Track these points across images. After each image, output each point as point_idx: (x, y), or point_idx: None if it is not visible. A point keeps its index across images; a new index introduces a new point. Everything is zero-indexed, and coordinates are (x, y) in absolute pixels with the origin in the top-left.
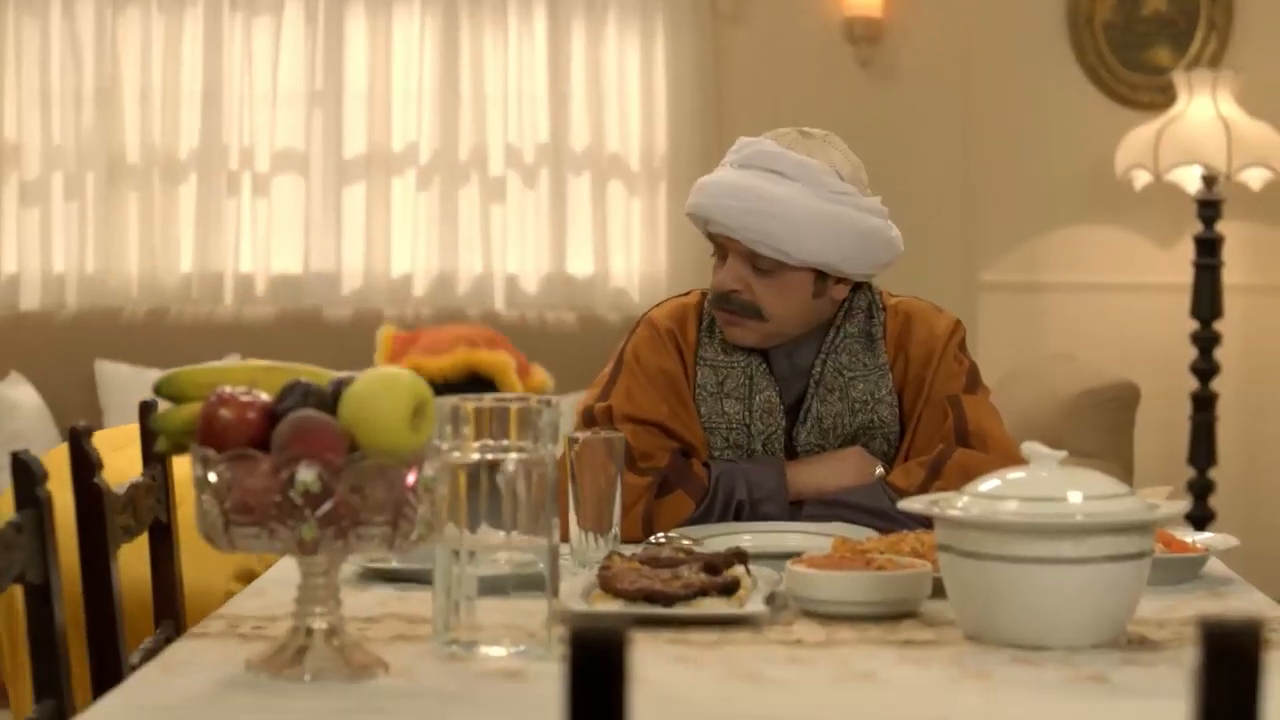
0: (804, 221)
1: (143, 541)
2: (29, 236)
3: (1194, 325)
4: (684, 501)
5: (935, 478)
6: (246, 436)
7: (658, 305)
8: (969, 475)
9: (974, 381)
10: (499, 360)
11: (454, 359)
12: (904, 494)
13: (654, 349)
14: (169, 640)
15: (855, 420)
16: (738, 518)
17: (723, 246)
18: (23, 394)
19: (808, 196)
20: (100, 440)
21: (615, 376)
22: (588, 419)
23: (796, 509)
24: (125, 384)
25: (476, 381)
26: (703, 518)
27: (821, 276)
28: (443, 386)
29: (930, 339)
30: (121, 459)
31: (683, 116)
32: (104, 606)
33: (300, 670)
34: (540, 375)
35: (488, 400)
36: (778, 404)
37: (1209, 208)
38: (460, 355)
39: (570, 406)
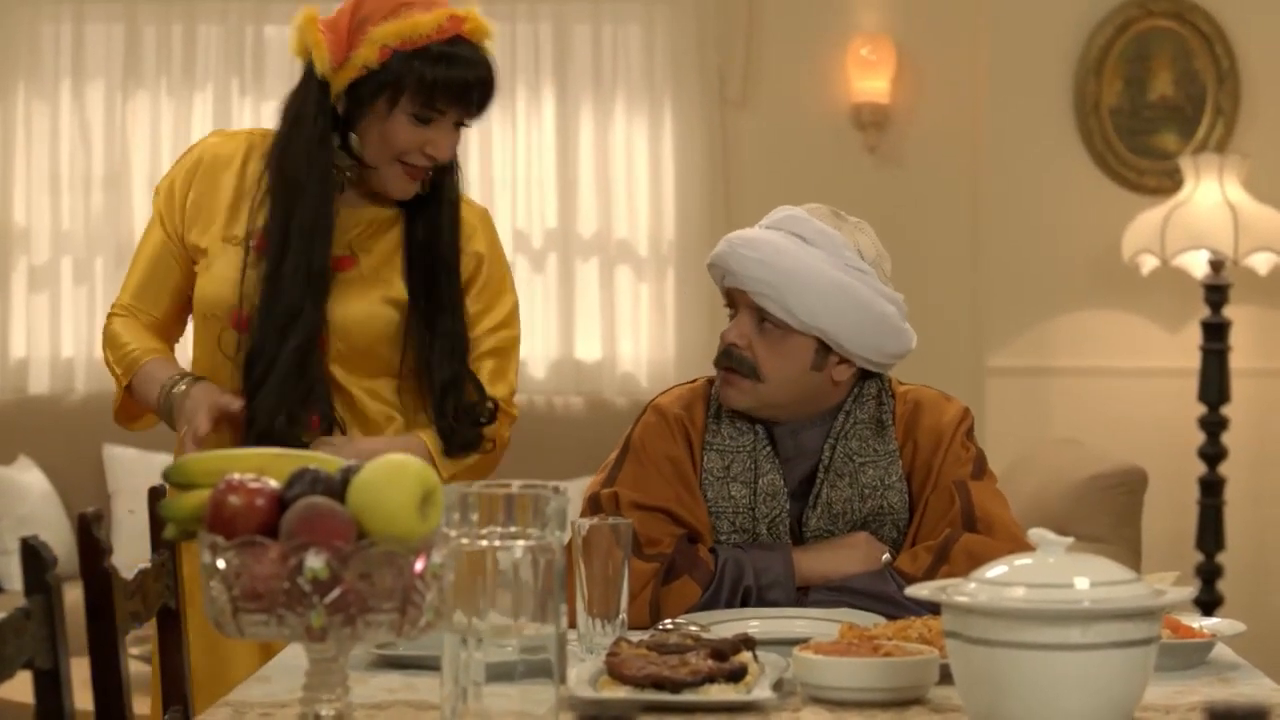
0: (813, 284)
1: None
2: (38, 321)
3: (1201, 409)
4: (690, 587)
5: (942, 562)
6: (255, 523)
7: (665, 392)
8: (975, 560)
9: (980, 468)
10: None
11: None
12: (910, 579)
13: (661, 435)
14: None
15: (865, 506)
16: (744, 604)
17: (735, 304)
18: (31, 478)
19: (823, 263)
20: None
21: (621, 462)
22: (594, 505)
23: (803, 595)
24: (133, 468)
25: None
26: (709, 604)
27: (824, 350)
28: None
29: (939, 426)
30: None
31: (691, 202)
32: (113, 692)
33: None
34: (419, 19)
35: (496, 488)
36: (781, 487)
37: (1216, 292)
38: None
39: (578, 491)
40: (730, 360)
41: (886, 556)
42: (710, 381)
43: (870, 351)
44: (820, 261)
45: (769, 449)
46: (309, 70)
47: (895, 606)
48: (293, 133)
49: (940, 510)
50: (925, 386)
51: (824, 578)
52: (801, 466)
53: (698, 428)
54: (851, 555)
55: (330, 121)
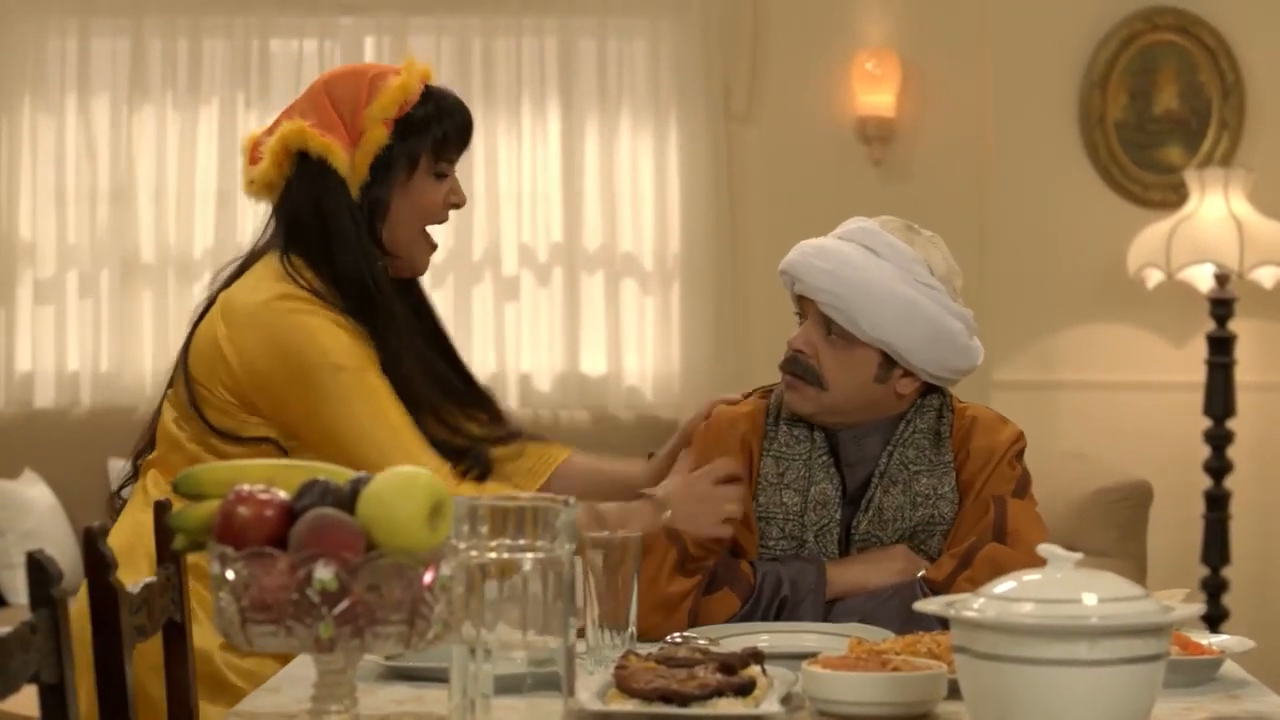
0: (881, 298)
1: None
2: (43, 335)
3: (1207, 423)
4: (730, 599)
5: (964, 568)
6: (264, 534)
7: (734, 402)
8: (998, 569)
9: (1023, 488)
10: (291, 131)
11: (269, 156)
12: (935, 585)
13: (718, 448)
14: None
15: (916, 514)
16: (779, 616)
17: (804, 311)
18: (37, 492)
19: (892, 277)
20: None
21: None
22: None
23: (831, 606)
24: None
25: (304, 156)
26: (747, 616)
27: (888, 363)
28: (289, 182)
29: (991, 445)
30: None
31: (696, 215)
32: (117, 706)
33: None
34: (392, 85)
35: (505, 500)
36: (834, 497)
37: (1221, 306)
38: (271, 148)
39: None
40: (795, 367)
41: (923, 572)
42: (767, 394)
43: (935, 366)
44: (889, 275)
45: (825, 457)
46: (324, 181)
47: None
48: (341, 257)
49: (973, 519)
50: (985, 407)
51: (858, 587)
52: (861, 472)
53: (758, 435)
54: (888, 569)
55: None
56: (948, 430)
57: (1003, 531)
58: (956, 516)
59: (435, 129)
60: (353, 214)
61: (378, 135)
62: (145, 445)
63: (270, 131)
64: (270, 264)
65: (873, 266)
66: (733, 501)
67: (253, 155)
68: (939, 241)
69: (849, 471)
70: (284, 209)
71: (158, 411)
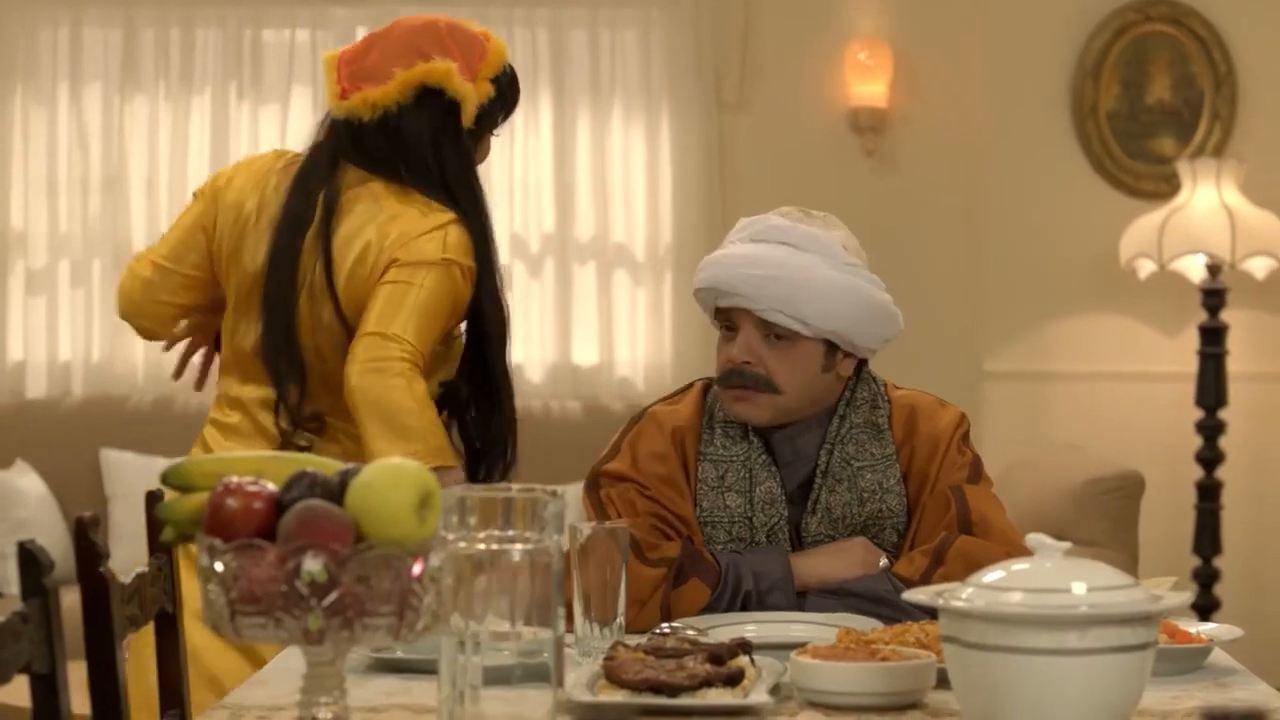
0: (822, 289)
1: None
2: (35, 324)
3: (1199, 414)
4: (700, 589)
5: (938, 565)
6: (253, 526)
7: (662, 400)
8: (971, 562)
9: (977, 472)
10: (440, 70)
11: (398, 83)
12: (907, 582)
13: (654, 443)
14: None
15: (865, 510)
16: (745, 608)
17: (733, 322)
18: (28, 482)
19: (823, 266)
20: None
21: (612, 457)
22: (593, 484)
23: (801, 598)
24: (131, 472)
25: (430, 92)
26: (713, 606)
27: (830, 350)
28: (399, 111)
29: (935, 431)
30: None
31: (688, 206)
32: (109, 697)
33: None
34: (494, 50)
35: (494, 491)
36: (779, 494)
37: (1213, 296)
38: (402, 78)
39: (575, 495)
40: (743, 379)
41: (884, 562)
42: (706, 387)
43: (874, 341)
44: (819, 265)
45: (764, 456)
46: (449, 121)
47: (892, 609)
48: (462, 198)
49: (937, 515)
50: (921, 392)
51: (822, 580)
52: (799, 471)
53: (693, 436)
54: (849, 559)
55: None
56: (885, 422)
57: (967, 522)
58: (909, 508)
59: (512, 95)
60: (467, 158)
61: (486, 90)
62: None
63: (358, 56)
64: (431, 210)
65: (803, 262)
66: None
67: (350, 75)
68: (834, 219)
69: (786, 471)
70: (390, 131)
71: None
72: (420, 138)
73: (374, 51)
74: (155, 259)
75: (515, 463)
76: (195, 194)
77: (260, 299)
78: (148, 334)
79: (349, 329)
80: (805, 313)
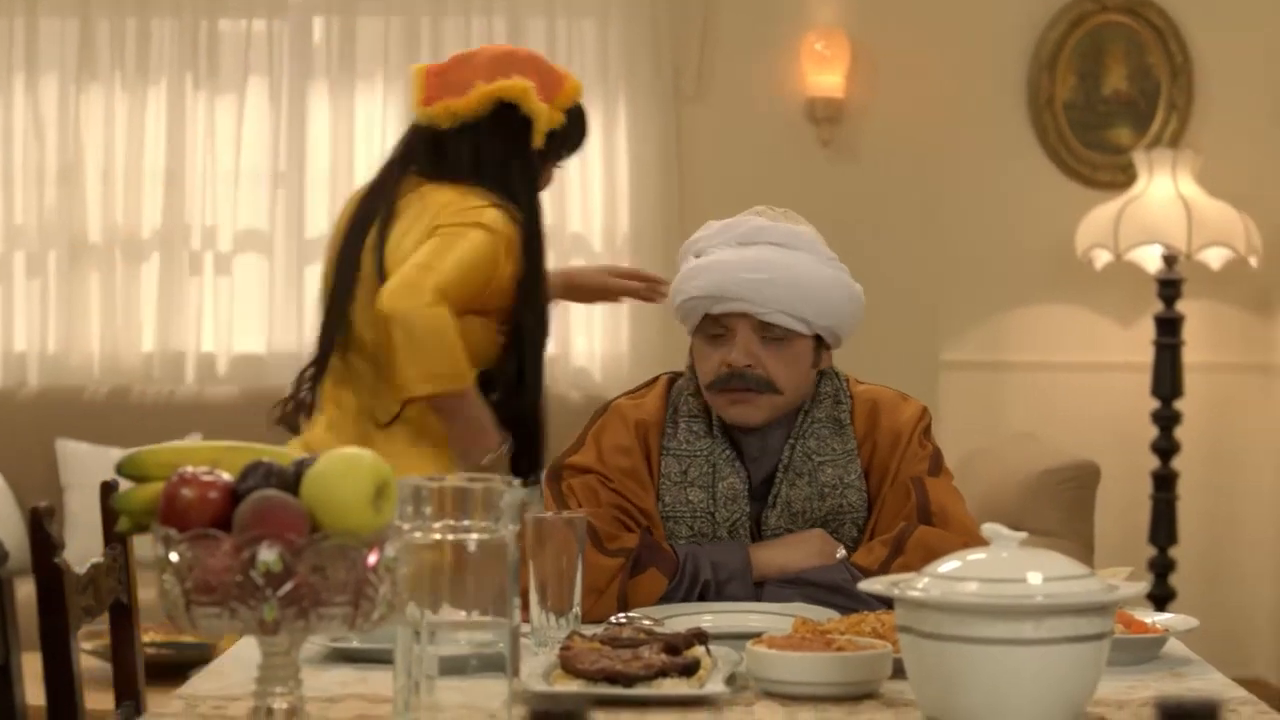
0: (818, 286)
1: None
2: None
3: (1154, 404)
4: (657, 579)
5: (898, 554)
6: (208, 516)
7: (626, 394)
8: (931, 552)
9: (937, 465)
10: (518, 87)
11: (478, 94)
12: (867, 571)
13: (617, 435)
14: None
15: (825, 505)
16: (703, 598)
17: (724, 328)
18: None
19: (813, 263)
20: None
21: (577, 450)
22: (555, 475)
23: (759, 588)
24: (86, 463)
25: (506, 107)
26: (670, 596)
27: (818, 345)
28: (474, 124)
29: (896, 425)
30: None
31: (645, 196)
32: (64, 687)
33: None
34: (570, 84)
35: (450, 481)
36: (742, 490)
37: (1169, 287)
38: (482, 90)
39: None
40: (744, 381)
41: (842, 553)
42: (670, 381)
43: (851, 331)
44: (810, 262)
45: (728, 452)
46: (522, 138)
47: (850, 598)
48: (524, 204)
49: (896, 505)
50: (883, 386)
51: (780, 571)
52: (765, 466)
53: (657, 431)
54: (807, 550)
55: None
56: (847, 416)
57: (927, 512)
58: (870, 502)
59: (578, 132)
60: (532, 174)
61: (557, 117)
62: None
63: (444, 70)
64: (473, 194)
65: (794, 260)
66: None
67: (434, 85)
68: (795, 214)
69: (754, 466)
70: (465, 140)
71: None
72: (493, 149)
73: (459, 68)
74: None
75: (540, 465)
76: None
77: (325, 302)
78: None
79: None
80: (806, 311)
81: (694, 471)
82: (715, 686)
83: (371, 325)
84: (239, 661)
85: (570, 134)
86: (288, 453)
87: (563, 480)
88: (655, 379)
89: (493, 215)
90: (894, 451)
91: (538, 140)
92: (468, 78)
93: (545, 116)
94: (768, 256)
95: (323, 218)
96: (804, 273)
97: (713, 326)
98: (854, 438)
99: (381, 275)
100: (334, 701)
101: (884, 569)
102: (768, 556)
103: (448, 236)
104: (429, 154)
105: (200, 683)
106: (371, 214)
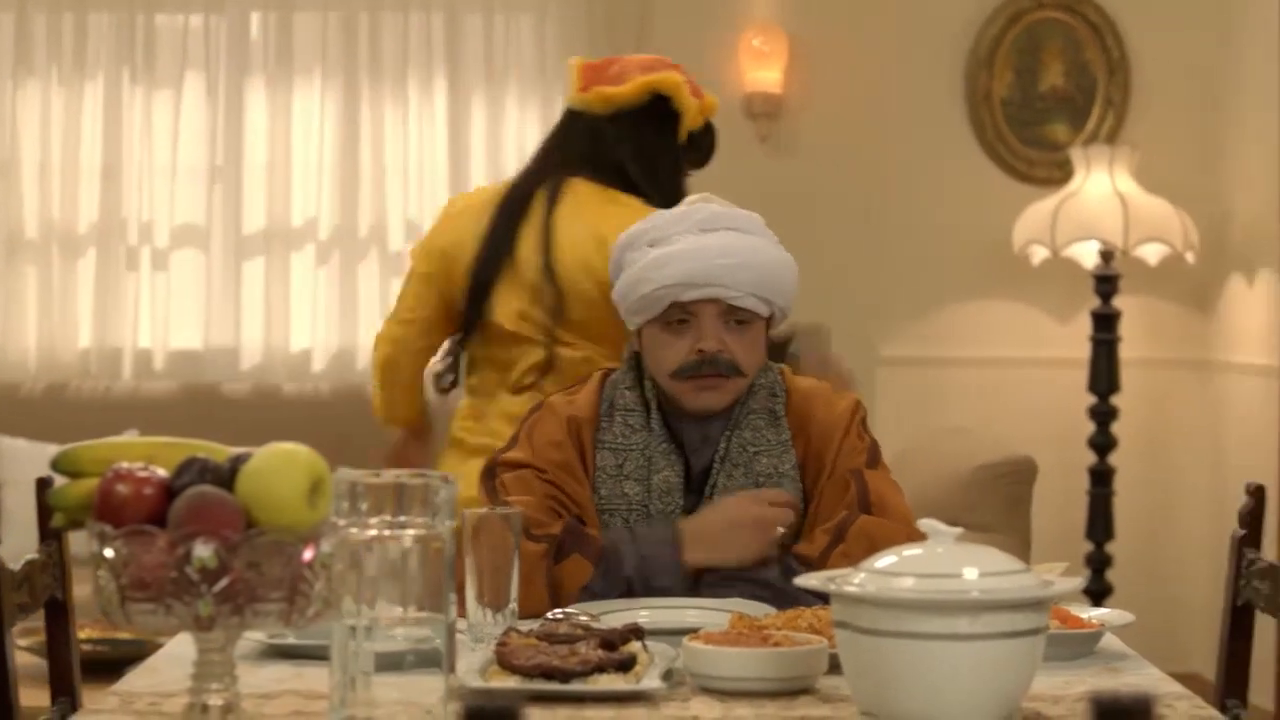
0: (777, 268)
1: None
2: None
3: (1091, 400)
4: (582, 564)
5: (838, 543)
6: (143, 512)
7: (560, 391)
8: (872, 540)
9: (875, 458)
10: (673, 79)
11: (635, 84)
12: (807, 560)
13: (550, 429)
14: (64, 718)
15: None
16: (630, 588)
17: (689, 314)
18: None
19: (769, 246)
20: None
21: (510, 448)
22: (489, 473)
23: (696, 581)
24: (23, 459)
25: (659, 99)
26: (602, 590)
27: (767, 325)
28: (629, 113)
29: (831, 418)
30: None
31: None
32: None
33: None
34: (711, 98)
35: (386, 477)
36: (677, 484)
37: (1106, 283)
38: (639, 80)
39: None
40: (716, 367)
41: (781, 529)
42: (605, 378)
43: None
44: (767, 246)
45: (664, 445)
46: (671, 129)
47: (786, 597)
48: (667, 197)
49: (835, 497)
50: (817, 380)
51: (714, 564)
52: (705, 457)
53: (590, 426)
54: (740, 545)
55: None
56: (782, 409)
57: (867, 503)
58: (805, 495)
59: (708, 144)
60: (680, 167)
61: (699, 121)
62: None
63: (602, 65)
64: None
65: (756, 245)
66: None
67: (592, 76)
68: (728, 202)
69: (694, 457)
70: (619, 127)
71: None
72: (647, 139)
73: (614, 63)
74: None
75: None
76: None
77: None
78: None
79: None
80: (770, 293)
81: (629, 465)
82: (652, 682)
83: (584, 304)
84: (174, 658)
85: (702, 143)
86: (223, 449)
87: (496, 476)
88: (588, 376)
89: None
90: (829, 443)
91: (683, 134)
92: (625, 72)
93: (693, 113)
94: (733, 241)
95: (259, 212)
96: (766, 256)
97: (677, 314)
98: (788, 429)
99: (548, 267)
100: (269, 698)
101: (824, 557)
102: (700, 550)
103: None
104: (584, 141)
105: (135, 679)
106: (527, 200)
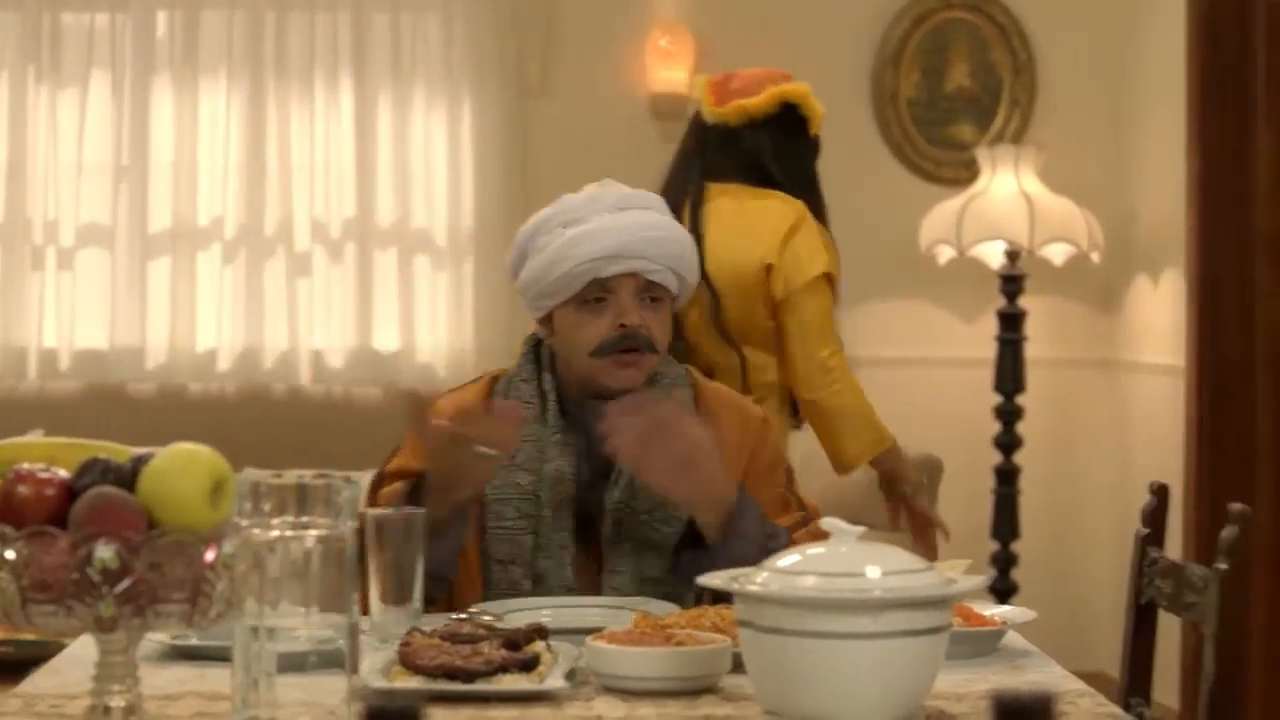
0: (689, 246)
1: None
2: None
3: (997, 399)
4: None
5: (805, 525)
6: (44, 513)
7: (443, 394)
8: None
9: (790, 476)
10: (802, 89)
11: (768, 95)
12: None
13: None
14: None
15: None
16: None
17: (610, 291)
18: None
19: (678, 225)
20: None
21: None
22: (376, 484)
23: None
24: None
25: (789, 109)
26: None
27: (672, 302)
28: (763, 121)
29: (745, 422)
30: None
31: (489, 190)
32: None
33: None
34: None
35: (288, 478)
36: (569, 473)
37: (1011, 283)
38: (772, 91)
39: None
40: (637, 341)
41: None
42: (493, 380)
43: None
44: (676, 225)
45: (557, 436)
46: (804, 135)
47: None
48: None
49: (773, 509)
50: (720, 385)
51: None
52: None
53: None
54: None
55: None
56: (690, 400)
57: (803, 505)
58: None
59: (819, 139)
60: (813, 165)
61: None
62: None
63: (724, 81)
64: (814, 231)
65: (669, 222)
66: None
67: (721, 91)
68: None
69: (602, 443)
70: (760, 136)
71: None
72: (780, 143)
73: (736, 78)
74: None
75: None
76: None
77: None
78: None
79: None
80: (685, 270)
81: (521, 456)
82: (555, 682)
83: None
84: (77, 659)
85: (818, 140)
86: (124, 449)
87: (378, 490)
88: (478, 378)
89: (823, 249)
90: (743, 447)
91: (812, 132)
92: (752, 85)
93: (821, 115)
94: (650, 218)
95: (165, 212)
96: (680, 233)
97: (595, 292)
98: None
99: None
100: (172, 699)
101: (792, 532)
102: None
103: (809, 310)
104: (722, 149)
105: (39, 681)
106: (677, 211)
